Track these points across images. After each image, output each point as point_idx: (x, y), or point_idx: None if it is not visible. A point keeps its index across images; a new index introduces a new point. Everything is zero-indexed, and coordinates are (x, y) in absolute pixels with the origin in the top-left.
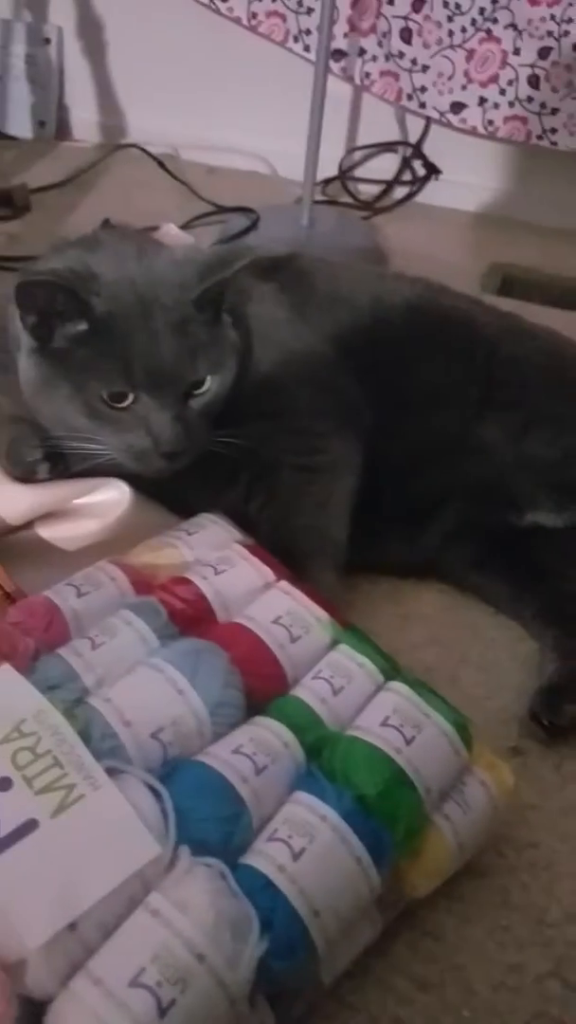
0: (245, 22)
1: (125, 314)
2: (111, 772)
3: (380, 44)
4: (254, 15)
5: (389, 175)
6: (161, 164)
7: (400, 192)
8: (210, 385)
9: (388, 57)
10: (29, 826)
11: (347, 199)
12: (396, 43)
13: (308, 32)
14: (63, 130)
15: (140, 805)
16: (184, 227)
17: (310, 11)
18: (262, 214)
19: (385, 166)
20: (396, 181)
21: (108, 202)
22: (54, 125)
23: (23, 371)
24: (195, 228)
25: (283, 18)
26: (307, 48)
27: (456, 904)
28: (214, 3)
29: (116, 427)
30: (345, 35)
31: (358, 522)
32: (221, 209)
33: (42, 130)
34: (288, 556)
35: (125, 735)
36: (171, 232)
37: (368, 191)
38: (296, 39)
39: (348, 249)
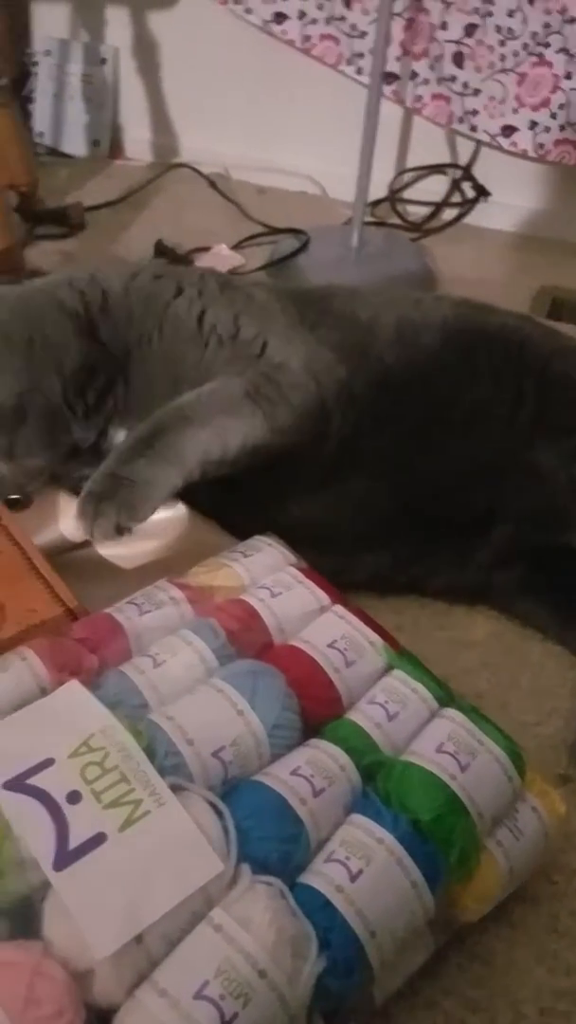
0: (299, 45)
1: None
2: (174, 789)
3: (432, 68)
4: (307, 38)
5: (438, 197)
6: (212, 184)
7: (449, 214)
8: None
9: (440, 81)
10: (98, 839)
11: (396, 220)
12: (448, 67)
13: (361, 55)
14: (116, 149)
15: (203, 822)
16: (235, 247)
17: (363, 35)
18: (312, 235)
19: (434, 188)
20: (445, 203)
21: (160, 221)
22: (108, 144)
23: None
24: (246, 248)
25: (336, 41)
26: (359, 71)
27: (506, 929)
28: (268, 26)
29: None
30: (397, 58)
31: (407, 542)
32: (272, 230)
33: (96, 149)
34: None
35: (188, 753)
36: (222, 252)
37: (417, 212)
38: (349, 62)
39: (397, 271)
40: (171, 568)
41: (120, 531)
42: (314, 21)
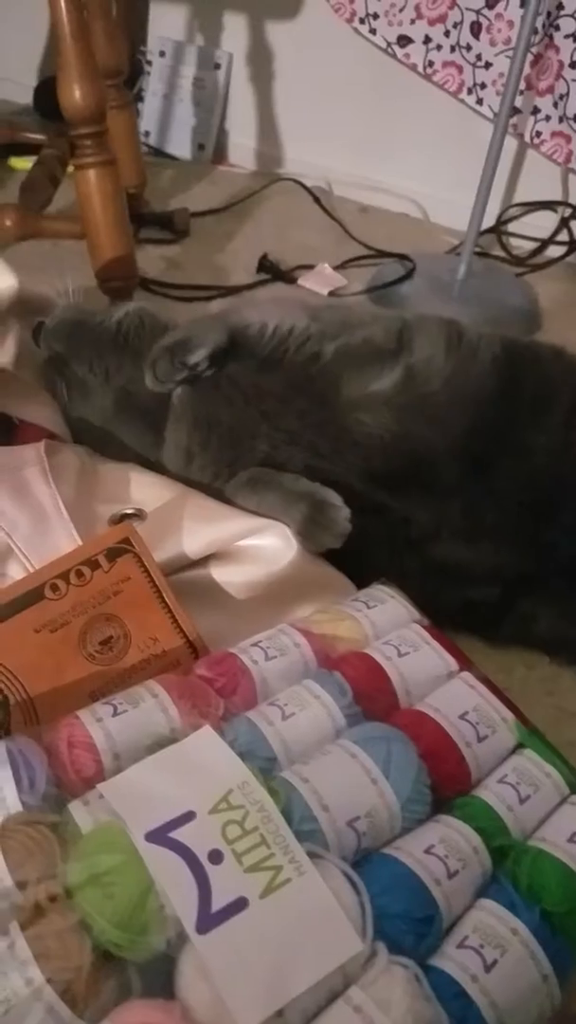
0: (421, 69)
1: None
2: (311, 857)
3: (555, 105)
4: (431, 63)
5: (543, 232)
6: (317, 200)
7: (554, 251)
8: None
9: (562, 119)
10: (240, 904)
11: (499, 252)
12: (573, 106)
13: (483, 86)
14: (219, 154)
15: (340, 895)
16: (338, 268)
17: (488, 65)
18: (416, 262)
19: (540, 223)
20: (551, 240)
21: (264, 234)
22: (212, 148)
23: None
24: (348, 269)
25: (460, 70)
26: (479, 101)
27: None
28: (392, 47)
29: None
30: (521, 92)
31: (511, 594)
32: (378, 253)
33: (200, 153)
34: None
35: (324, 820)
36: (325, 272)
37: (520, 246)
38: (470, 91)
39: (504, 306)
40: (280, 600)
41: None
42: (439, 47)
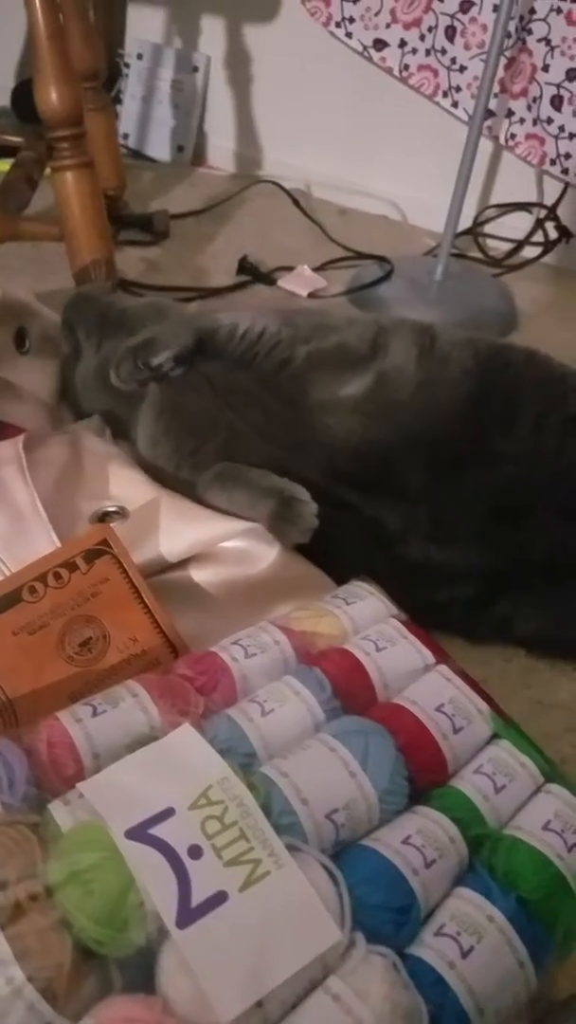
0: (396, 73)
1: None
2: (290, 850)
3: (529, 108)
4: (406, 67)
5: (518, 233)
6: (296, 202)
7: (529, 252)
8: None
9: (536, 121)
10: (220, 898)
11: (476, 253)
12: (546, 109)
13: (458, 89)
14: (199, 156)
15: (319, 887)
16: (317, 269)
17: (463, 69)
18: (395, 263)
19: (516, 224)
20: (527, 241)
21: (244, 236)
22: (191, 151)
23: None
24: (328, 271)
25: (435, 73)
26: (455, 104)
27: None
28: (367, 51)
29: None
30: (495, 95)
31: (487, 594)
32: (356, 255)
33: (179, 154)
34: None
35: (302, 813)
36: (305, 273)
37: (496, 247)
38: (446, 94)
39: (481, 307)
40: (260, 600)
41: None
42: (414, 51)
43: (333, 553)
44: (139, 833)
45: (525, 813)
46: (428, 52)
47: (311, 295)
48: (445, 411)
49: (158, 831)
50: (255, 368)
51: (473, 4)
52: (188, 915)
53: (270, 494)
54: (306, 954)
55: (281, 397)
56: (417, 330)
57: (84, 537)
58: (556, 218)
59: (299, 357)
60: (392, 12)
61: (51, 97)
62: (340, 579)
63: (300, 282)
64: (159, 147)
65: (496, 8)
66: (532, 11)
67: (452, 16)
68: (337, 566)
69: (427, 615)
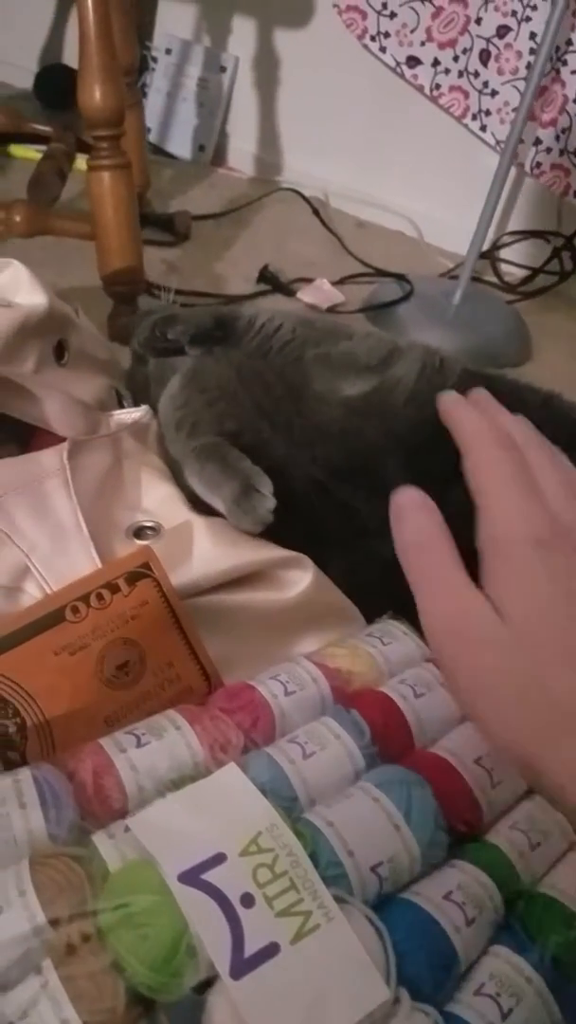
0: (427, 91)
1: None
2: (337, 902)
3: (558, 138)
4: (438, 86)
5: (533, 260)
6: (316, 212)
7: (542, 280)
8: None
9: (563, 152)
10: (272, 949)
11: (491, 278)
12: (574, 140)
13: (488, 113)
14: (219, 156)
15: (365, 941)
16: (336, 284)
17: (495, 94)
18: (414, 284)
19: (531, 251)
20: (542, 269)
21: (262, 242)
22: (212, 150)
23: None
24: (346, 286)
25: (466, 95)
26: (483, 128)
27: None
28: (400, 67)
29: None
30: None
31: None
32: (377, 272)
33: (200, 153)
34: None
35: (348, 865)
36: (324, 287)
37: (510, 272)
38: (475, 117)
39: (496, 335)
40: (289, 630)
41: None
42: (447, 71)
43: (314, 534)
44: (192, 877)
45: (557, 872)
46: (461, 74)
47: (330, 310)
48: (435, 426)
49: (210, 876)
50: (268, 360)
51: (510, 30)
52: (242, 965)
53: (236, 477)
54: (357, 1011)
55: (285, 381)
56: (429, 351)
57: (127, 558)
58: (573, 248)
59: (309, 356)
60: (428, 31)
61: (95, 96)
62: (320, 562)
63: (319, 295)
64: (180, 144)
65: (533, 36)
66: (569, 42)
67: (488, 40)
68: (316, 547)
69: (407, 615)
